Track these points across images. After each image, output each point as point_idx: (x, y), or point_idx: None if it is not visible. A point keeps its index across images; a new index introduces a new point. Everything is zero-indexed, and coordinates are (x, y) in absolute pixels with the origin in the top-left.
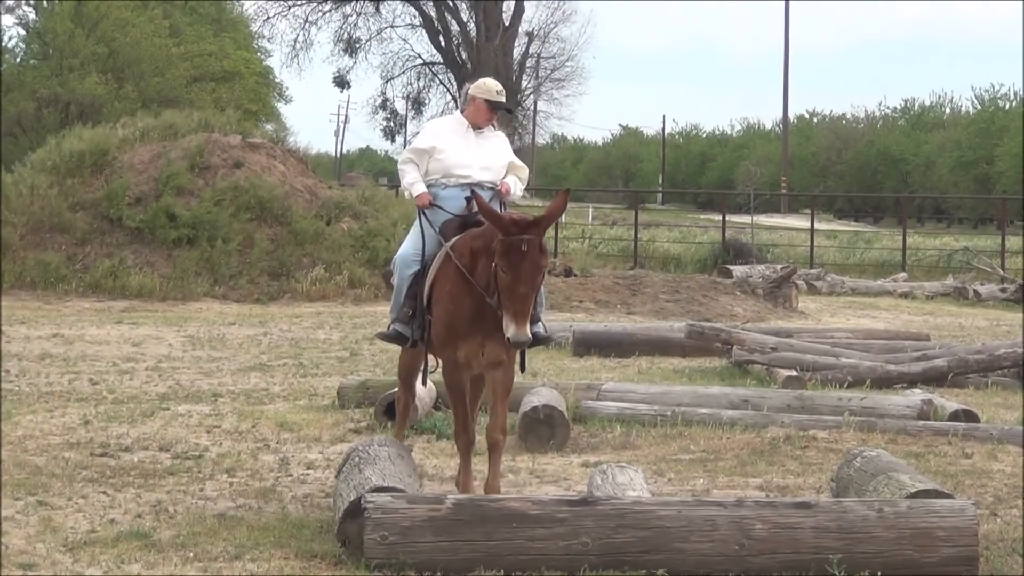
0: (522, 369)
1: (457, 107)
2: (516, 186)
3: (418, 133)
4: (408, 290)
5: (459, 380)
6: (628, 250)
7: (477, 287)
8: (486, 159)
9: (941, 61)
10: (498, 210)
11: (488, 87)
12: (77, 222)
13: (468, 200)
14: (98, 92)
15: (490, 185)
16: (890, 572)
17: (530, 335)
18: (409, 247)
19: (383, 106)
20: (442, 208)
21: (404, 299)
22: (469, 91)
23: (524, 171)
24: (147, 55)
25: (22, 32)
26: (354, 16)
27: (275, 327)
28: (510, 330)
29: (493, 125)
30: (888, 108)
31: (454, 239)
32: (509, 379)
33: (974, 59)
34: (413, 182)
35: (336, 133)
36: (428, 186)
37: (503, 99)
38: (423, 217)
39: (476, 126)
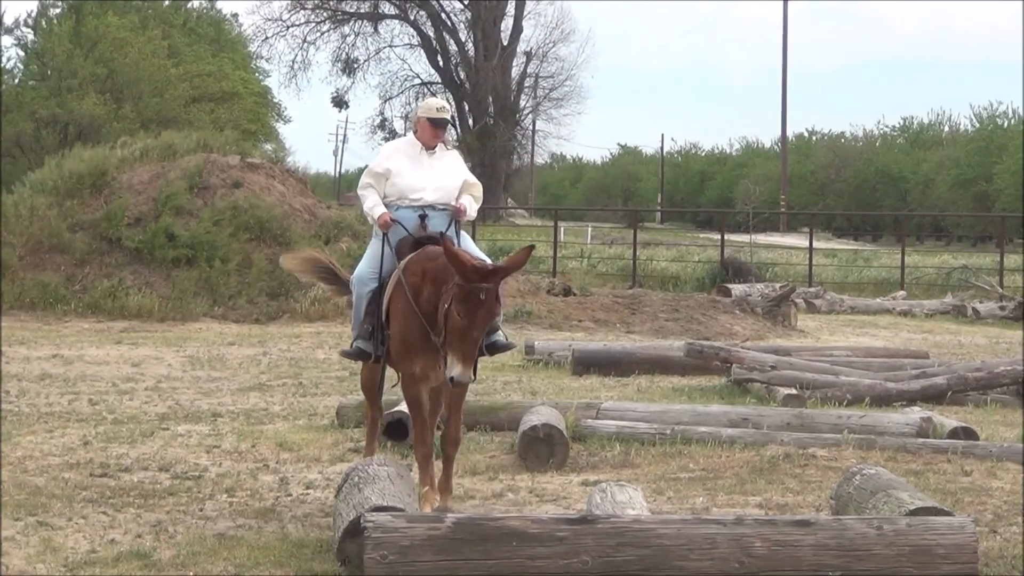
0: (472, 375)
1: (455, 126)
2: (471, 206)
3: (376, 156)
4: (367, 307)
5: (417, 393)
6: (627, 269)
7: (420, 312)
8: (438, 180)
9: (939, 80)
10: (461, 254)
11: (429, 105)
12: (76, 243)
13: (422, 218)
14: (97, 112)
15: (442, 206)
16: None
17: (473, 377)
18: (366, 266)
19: (382, 126)
20: (400, 225)
21: (364, 316)
22: (416, 113)
23: (478, 188)
24: (146, 75)
25: (21, 53)
26: (352, 36)
27: (274, 347)
28: (455, 370)
29: (445, 144)
30: (887, 126)
31: (408, 257)
32: (464, 392)
33: (972, 78)
34: (373, 205)
35: (335, 153)
36: (385, 207)
37: (444, 115)
38: (385, 237)
39: (427, 146)
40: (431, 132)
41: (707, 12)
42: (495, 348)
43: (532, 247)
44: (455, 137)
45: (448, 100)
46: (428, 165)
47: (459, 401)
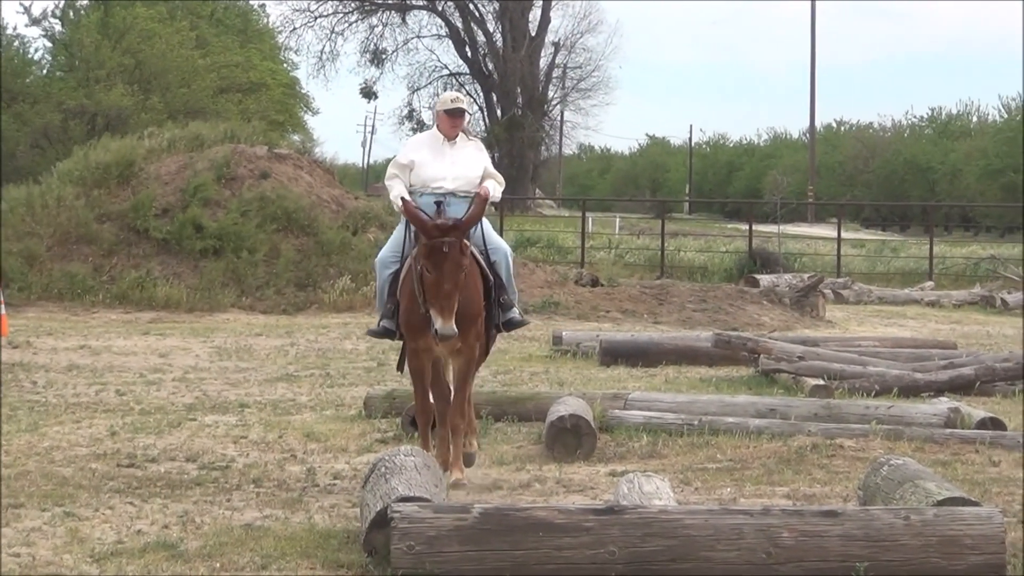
0: (454, 328)
1: (483, 117)
2: (495, 189)
3: (402, 148)
4: (389, 288)
5: (419, 366)
6: (655, 260)
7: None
8: (459, 169)
9: (968, 73)
10: (423, 215)
11: (444, 99)
12: (104, 233)
13: (438, 205)
14: (124, 103)
15: (463, 193)
16: None
17: (455, 329)
18: (388, 250)
19: (410, 117)
20: (422, 211)
21: (387, 297)
22: (436, 108)
23: (499, 177)
24: (173, 66)
25: (49, 44)
26: (380, 27)
27: (302, 338)
28: (437, 324)
29: (465, 133)
30: (915, 117)
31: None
32: (468, 368)
33: (1002, 70)
34: (398, 194)
35: (363, 144)
36: (409, 195)
37: (459, 104)
38: (407, 223)
39: (448, 137)
40: (448, 122)
41: (736, 4)
42: (511, 324)
43: (485, 198)
44: (482, 128)
45: (476, 91)
46: (449, 156)
47: (465, 379)
